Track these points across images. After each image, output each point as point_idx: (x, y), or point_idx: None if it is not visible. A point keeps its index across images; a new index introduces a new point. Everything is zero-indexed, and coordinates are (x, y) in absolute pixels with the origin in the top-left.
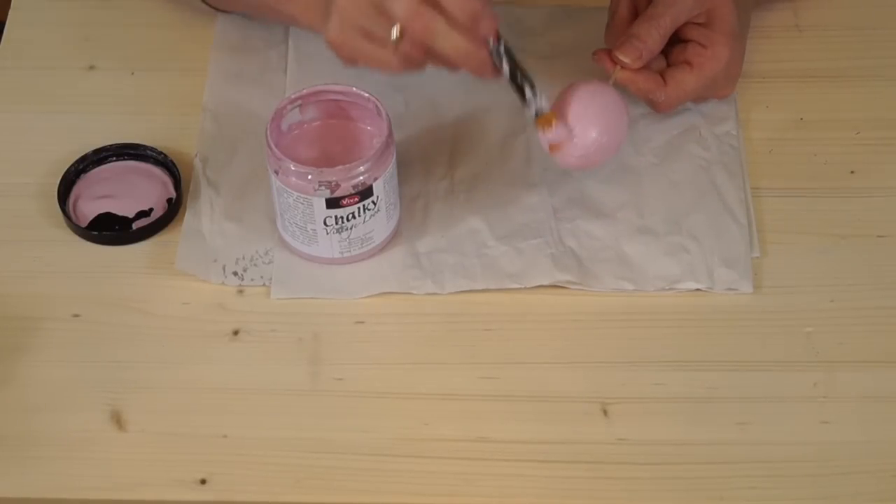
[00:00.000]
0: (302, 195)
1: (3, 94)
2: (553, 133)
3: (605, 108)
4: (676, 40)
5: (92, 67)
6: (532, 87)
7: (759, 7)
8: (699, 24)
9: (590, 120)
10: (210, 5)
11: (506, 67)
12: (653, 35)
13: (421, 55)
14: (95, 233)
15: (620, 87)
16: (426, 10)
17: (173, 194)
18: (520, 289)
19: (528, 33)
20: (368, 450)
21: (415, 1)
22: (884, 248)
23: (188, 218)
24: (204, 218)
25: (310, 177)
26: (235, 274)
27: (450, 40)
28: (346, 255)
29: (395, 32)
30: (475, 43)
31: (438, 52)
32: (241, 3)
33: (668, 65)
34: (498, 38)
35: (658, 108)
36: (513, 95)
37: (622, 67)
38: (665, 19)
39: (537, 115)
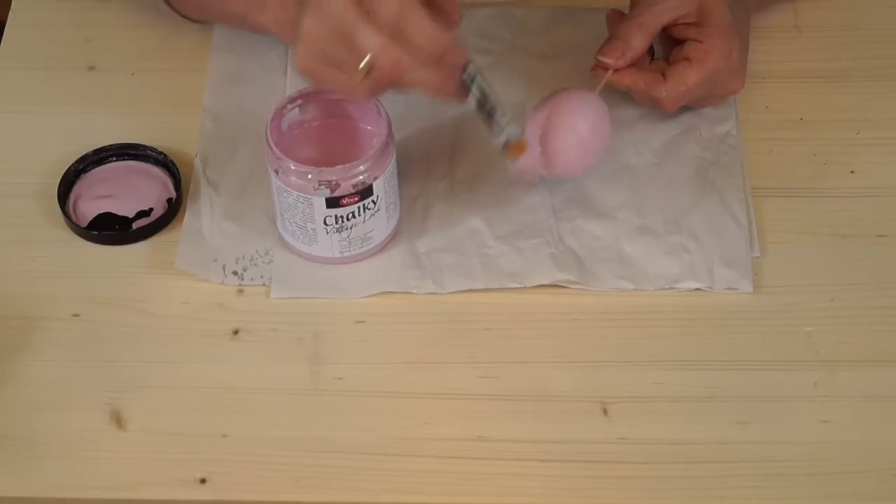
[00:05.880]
0: (302, 194)
1: (3, 94)
2: (524, 161)
3: (585, 114)
4: (674, 43)
5: (92, 67)
6: (503, 114)
7: (759, 9)
8: (692, 24)
9: (570, 126)
10: (182, 15)
11: (472, 99)
12: (634, 33)
13: (389, 84)
14: (95, 233)
15: (623, 92)
16: (395, 46)
17: (173, 194)
18: (520, 288)
19: (528, 33)
20: (368, 449)
21: (384, 36)
22: (884, 248)
23: (188, 218)
24: (204, 218)
25: (310, 176)
26: (235, 273)
27: (419, 74)
28: (346, 254)
29: (363, 64)
30: (443, 75)
31: (407, 85)
32: (213, 13)
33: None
34: (465, 67)
35: (662, 106)
36: (513, 94)
37: (613, 71)
38: (646, 17)
39: (507, 143)
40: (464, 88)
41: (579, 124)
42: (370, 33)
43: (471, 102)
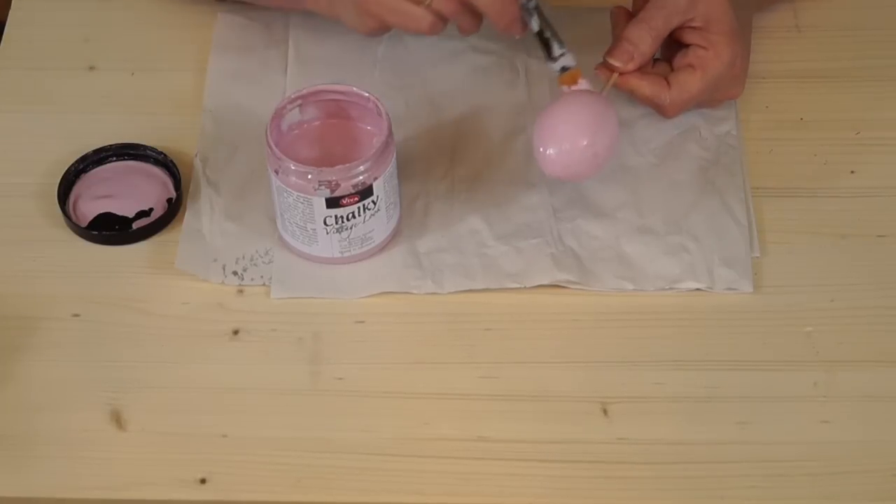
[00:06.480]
0: (302, 195)
1: (3, 94)
2: (576, 89)
3: (595, 117)
4: (678, 47)
5: (92, 68)
6: (561, 43)
7: (760, 9)
8: (697, 28)
9: (580, 130)
10: None
11: (535, 23)
12: (643, 37)
13: (454, 9)
14: (95, 233)
15: (625, 94)
16: None
17: (173, 194)
18: (520, 288)
19: (528, 33)
20: (368, 449)
21: None
22: (884, 248)
23: (188, 218)
24: (204, 218)
25: (310, 176)
26: (235, 274)
27: None
28: (346, 254)
29: None
30: None
31: (472, 6)
32: None
33: (672, 70)
34: None
35: (665, 113)
36: (513, 93)
37: (619, 74)
38: (656, 21)
39: (563, 71)
40: (525, 15)
41: (598, 141)
42: None
43: (533, 27)
